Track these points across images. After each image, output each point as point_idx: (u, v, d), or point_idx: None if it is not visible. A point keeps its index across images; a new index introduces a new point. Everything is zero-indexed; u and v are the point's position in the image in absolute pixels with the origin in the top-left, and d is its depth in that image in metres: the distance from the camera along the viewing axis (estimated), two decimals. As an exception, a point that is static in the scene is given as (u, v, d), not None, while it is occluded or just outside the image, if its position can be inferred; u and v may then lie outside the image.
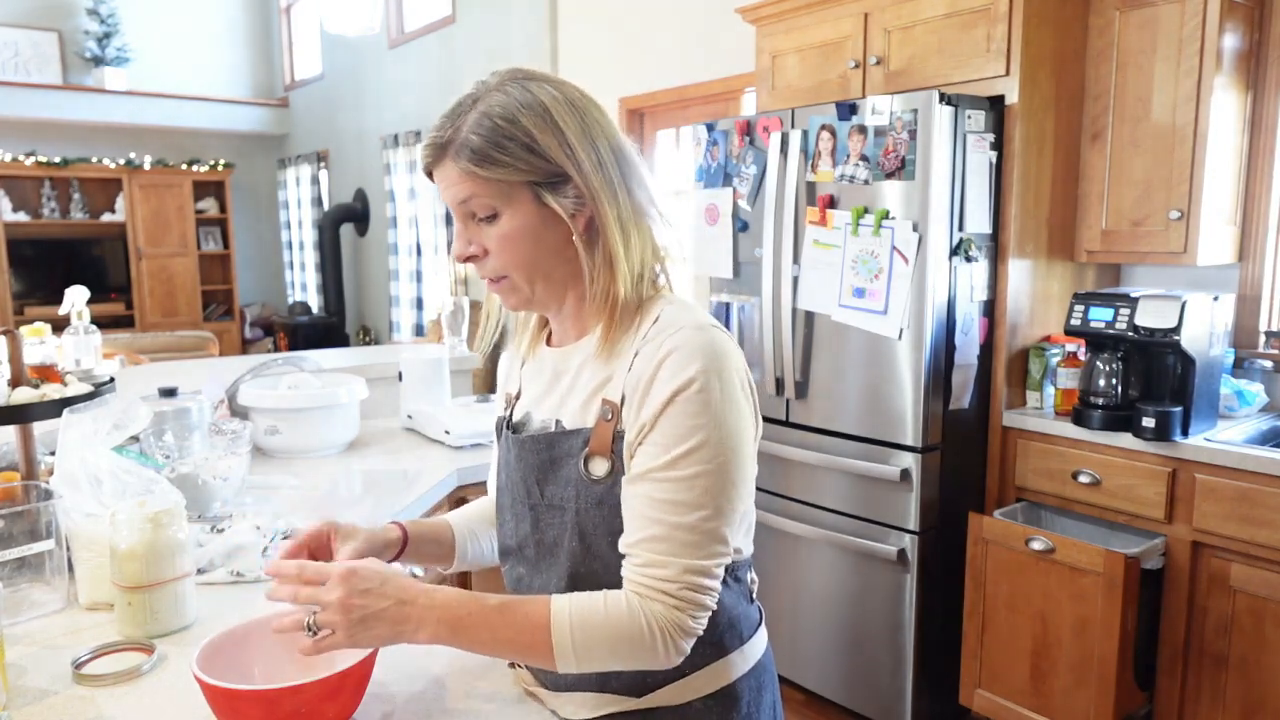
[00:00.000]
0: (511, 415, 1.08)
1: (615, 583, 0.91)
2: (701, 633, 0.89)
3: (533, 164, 0.90)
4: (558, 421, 0.98)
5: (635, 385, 0.90)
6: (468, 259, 0.96)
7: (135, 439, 1.65)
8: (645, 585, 0.86)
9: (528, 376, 1.07)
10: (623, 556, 0.90)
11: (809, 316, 2.60)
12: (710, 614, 0.89)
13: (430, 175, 0.97)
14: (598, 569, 0.94)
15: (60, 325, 1.94)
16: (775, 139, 2.58)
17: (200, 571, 1.34)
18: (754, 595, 1.04)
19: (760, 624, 1.04)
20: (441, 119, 0.93)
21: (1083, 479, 2.32)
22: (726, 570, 0.93)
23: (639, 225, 0.95)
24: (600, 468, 0.93)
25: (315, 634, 0.86)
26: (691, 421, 0.86)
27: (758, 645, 1.02)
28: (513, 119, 0.90)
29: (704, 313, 0.95)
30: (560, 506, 0.96)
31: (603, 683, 0.96)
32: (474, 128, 0.90)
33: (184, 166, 8.48)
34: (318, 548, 1.01)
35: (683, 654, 0.87)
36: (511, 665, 1.07)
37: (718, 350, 0.89)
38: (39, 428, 1.45)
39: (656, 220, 0.97)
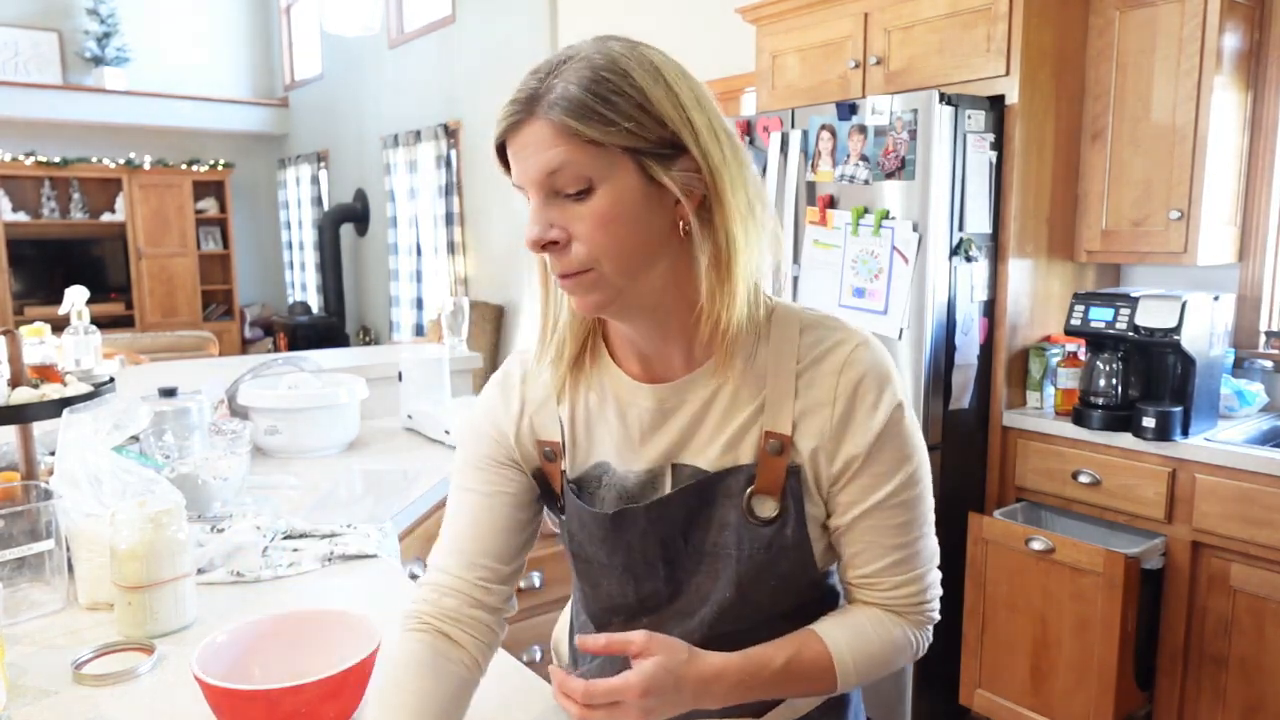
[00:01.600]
0: (565, 473, 0.90)
1: (761, 636, 0.85)
2: None
3: (644, 126, 0.74)
4: (677, 466, 0.86)
5: (817, 415, 0.82)
6: (546, 246, 0.77)
7: (135, 439, 1.65)
8: (901, 604, 0.89)
9: (583, 415, 0.90)
10: (821, 578, 0.91)
11: (809, 316, 2.59)
12: None
13: (502, 152, 0.79)
14: (747, 623, 0.86)
15: (60, 325, 1.93)
16: (775, 139, 2.58)
17: (200, 571, 1.34)
18: None
19: None
20: (528, 76, 0.77)
21: (1083, 479, 2.32)
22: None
23: (755, 216, 0.80)
24: (768, 508, 0.83)
25: None
26: (905, 443, 0.85)
27: None
28: (623, 72, 0.75)
29: (841, 319, 0.88)
30: (710, 553, 0.86)
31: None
32: (574, 78, 0.74)
33: (184, 166, 8.48)
34: None
35: (929, 641, 0.93)
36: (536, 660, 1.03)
37: (889, 361, 0.86)
38: (39, 428, 1.44)
39: (770, 210, 0.83)
